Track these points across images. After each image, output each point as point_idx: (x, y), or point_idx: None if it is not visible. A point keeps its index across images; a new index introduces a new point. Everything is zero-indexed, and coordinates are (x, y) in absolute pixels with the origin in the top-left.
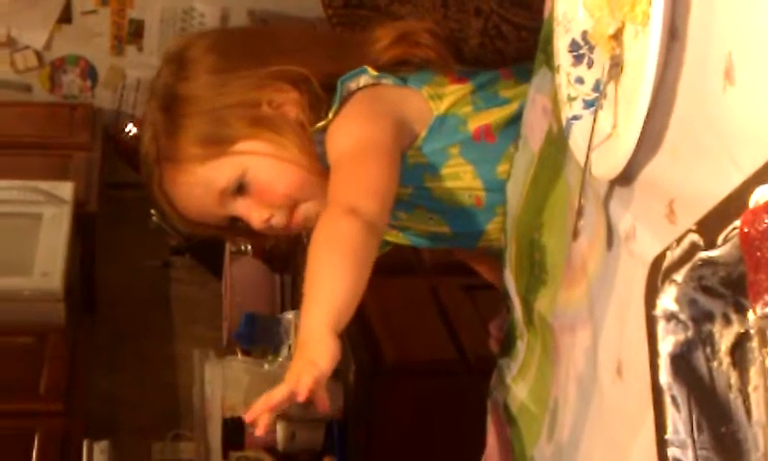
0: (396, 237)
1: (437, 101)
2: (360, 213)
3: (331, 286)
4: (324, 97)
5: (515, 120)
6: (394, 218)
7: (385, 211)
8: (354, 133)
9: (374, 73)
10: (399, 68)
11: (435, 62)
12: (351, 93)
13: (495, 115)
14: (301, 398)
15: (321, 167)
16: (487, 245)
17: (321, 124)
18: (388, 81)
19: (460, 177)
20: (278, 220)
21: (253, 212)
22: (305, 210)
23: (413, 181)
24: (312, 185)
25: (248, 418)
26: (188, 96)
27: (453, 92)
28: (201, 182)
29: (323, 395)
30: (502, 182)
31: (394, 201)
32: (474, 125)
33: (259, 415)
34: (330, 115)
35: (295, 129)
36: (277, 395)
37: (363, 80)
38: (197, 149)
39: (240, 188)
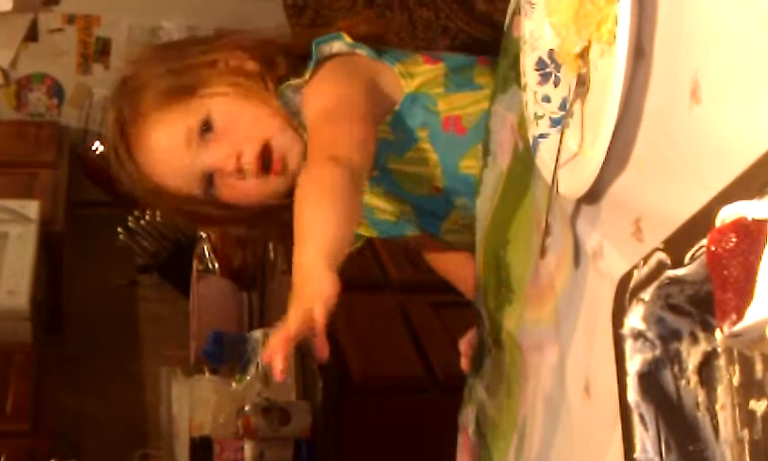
0: (366, 230)
1: (408, 79)
2: (342, 162)
3: (322, 227)
4: (284, 64)
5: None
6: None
7: (366, 163)
8: (331, 92)
9: (350, 41)
10: (373, 44)
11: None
12: (326, 58)
13: (467, 102)
14: (321, 322)
15: (287, 115)
16: (449, 238)
17: (296, 81)
18: (362, 51)
19: (423, 163)
20: (249, 156)
21: (222, 154)
22: (281, 146)
23: (377, 160)
24: (277, 123)
25: (265, 357)
26: (143, 70)
27: (426, 72)
28: (166, 131)
29: (322, 338)
30: (463, 178)
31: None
32: (445, 109)
33: (277, 353)
34: (307, 76)
35: (256, 81)
36: (292, 327)
37: (337, 46)
38: (159, 100)
39: (206, 129)
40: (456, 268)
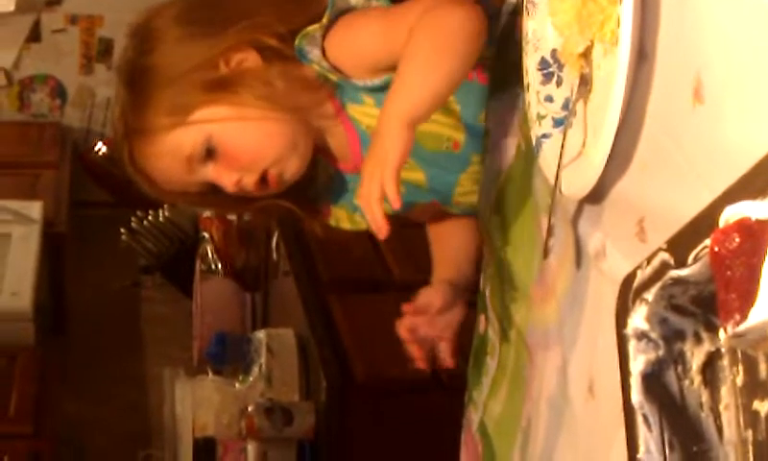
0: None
1: None
2: (473, 11)
3: (420, 82)
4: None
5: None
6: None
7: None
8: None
9: None
10: None
11: None
12: (343, 12)
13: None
14: (392, 193)
15: (298, 105)
16: (462, 200)
17: (312, 28)
18: (380, 3)
19: (445, 113)
20: (248, 181)
21: (223, 177)
22: (278, 170)
23: None
24: (281, 142)
25: (374, 226)
26: (150, 67)
27: None
28: (168, 152)
29: (393, 189)
30: (481, 130)
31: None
32: None
33: (375, 215)
34: (324, 20)
35: (255, 82)
36: (374, 191)
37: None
38: (161, 119)
39: (208, 154)
40: (450, 237)
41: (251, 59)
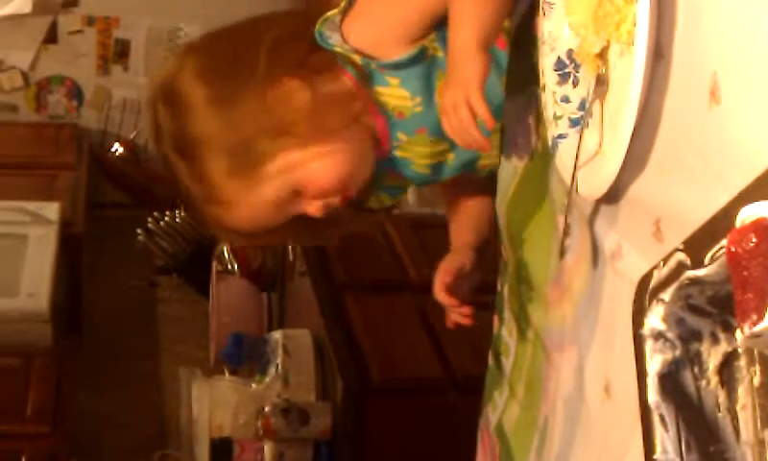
0: (398, 180)
1: None
2: None
3: (476, 10)
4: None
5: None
6: (394, 139)
7: None
8: None
9: None
10: None
11: None
12: None
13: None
14: (483, 112)
15: (351, 115)
16: (487, 162)
17: (332, 13)
18: None
19: None
20: (336, 203)
21: (311, 207)
22: (355, 184)
23: (427, 82)
24: (352, 156)
25: (477, 145)
26: (198, 136)
27: None
28: (253, 208)
29: (483, 107)
30: (500, 97)
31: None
32: None
33: (474, 134)
34: (343, 4)
35: (311, 112)
36: (464, 116)
37: None
38: (233, 182)
39: (294, 195)
40: (468, 203)
41: (295, 88)
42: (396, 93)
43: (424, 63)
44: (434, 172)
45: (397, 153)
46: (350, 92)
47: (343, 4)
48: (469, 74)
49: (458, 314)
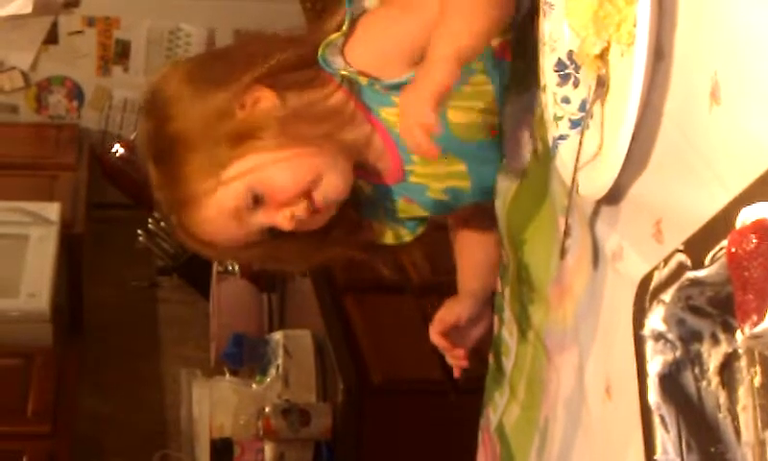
0: (414, 210)
1: None
2: None
3: (462, 24)
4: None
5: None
6: (407, 163)
7: None
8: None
9: None
10: None
11: None
12: (361, 13)
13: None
14: (429, 115)
15: (325, 130)
16: (503, 176)
17: (334, 36)
18: None
19: (480, 97)
20: (300, 212)
21: (276, 217)
22: (322, 193)
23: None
24: (317, 164)
25: (419, 151)
26: (174, 136)
27: None
28: (216, 213)
29: (431, 109)
30: (492, 178)
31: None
32: (496, 38)
33: (418, 137)
34: (345, 28)
35: (272, 122)
36: (411, 115)
37: (368, 1)
38: (200, 184)
39: (256, 201)
40: (476, 250)
41: (264, 97)
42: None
43: None
44: (453, 198)
45: (412, 179)
46: (326, 105)
47: (344, 28)
48: (433, 76)
49: (451, 357)
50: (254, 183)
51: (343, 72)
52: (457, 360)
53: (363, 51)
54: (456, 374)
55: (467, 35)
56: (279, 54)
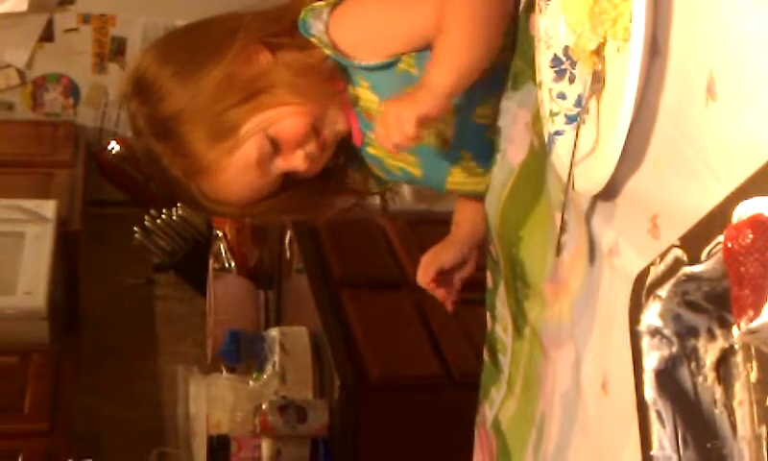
0: (378, 172)
1: None
2: None
3: (461, 56)
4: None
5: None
6: (365, 135)
7: None
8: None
9: None
10: None
11: None
12: None
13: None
14: (410, 130)
15: (322, 75)
16: (454, 188)
17: (318, 4)
18: None
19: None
20: (312, 149)
21: (293, 160)
22: (329, 127)
23: (393, 90)
24: (321, 105)
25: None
26: (173, 113)
27: None
28: (240, 171)
29: (411, 126)
30: (474, 128)
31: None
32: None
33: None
34: None
35: (279, 72)
36: (394, 133)
37: None
38: (214, 149)
39: (275, 148)
40: (467, 207)
41: (264, 54)
42: (365, 95)
43: (396, 74)
44: (406, 178)
45: (369, 150)
46: (326, 69)
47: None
48: (423, 100)
49: (438, 297)
50: (272, 131)
51: (315, 38)
52: (443, 299)
53: (346, 28)
54: (449, 308)
55: (466, 65)
56: (265, 18)
